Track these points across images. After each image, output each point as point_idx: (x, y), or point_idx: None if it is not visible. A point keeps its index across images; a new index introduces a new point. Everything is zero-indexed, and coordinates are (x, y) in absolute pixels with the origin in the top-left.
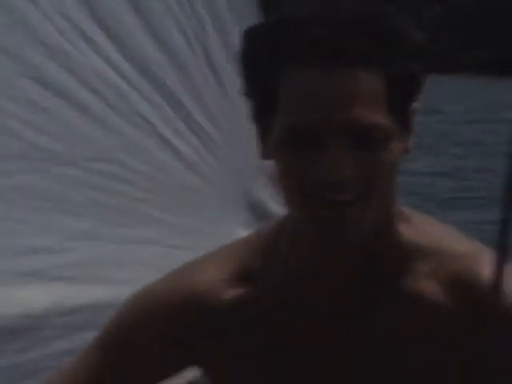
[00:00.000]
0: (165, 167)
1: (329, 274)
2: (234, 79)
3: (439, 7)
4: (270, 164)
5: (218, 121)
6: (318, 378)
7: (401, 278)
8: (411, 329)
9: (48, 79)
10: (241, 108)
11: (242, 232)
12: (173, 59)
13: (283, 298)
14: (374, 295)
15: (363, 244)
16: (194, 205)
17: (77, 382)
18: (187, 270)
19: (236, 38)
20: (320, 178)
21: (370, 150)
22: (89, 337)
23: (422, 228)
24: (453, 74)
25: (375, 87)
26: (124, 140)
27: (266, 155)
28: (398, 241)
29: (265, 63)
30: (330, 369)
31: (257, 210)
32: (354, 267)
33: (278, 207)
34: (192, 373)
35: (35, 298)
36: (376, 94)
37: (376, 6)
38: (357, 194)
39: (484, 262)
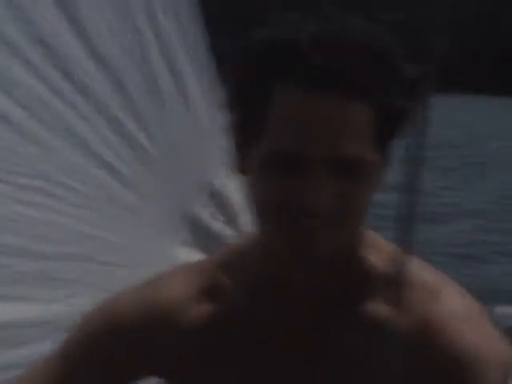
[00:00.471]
0: (98, 184)
1: (296, 292)
2: (174, 93)
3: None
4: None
5: (157, 138)
6: None
7: (364, 302)
8: (367, 353)
9: None
10: (181, 123)
11: (180, 250)
12: (110, 74)
13: (251, 313)
14: (337, 316)
15: (330, 263)
16: (128, 222)
17: None
18: (154, 284)
19: (178, 51)
20: (298, 202)
21: (351, 181)
22: (14, 354)
23: (388, 255)
24: None
25: (366, 122)
26: (55, 156)
27: (243, 170)
28: (363, 265)
29: (260, 81)
30: (289, 378)
31: (196, 229)
32: (319, 286)
33: (218, 225)
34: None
35: None
36: (366, 129)
37: (377, 38)
38: (330, 220)
39: (448, 295)
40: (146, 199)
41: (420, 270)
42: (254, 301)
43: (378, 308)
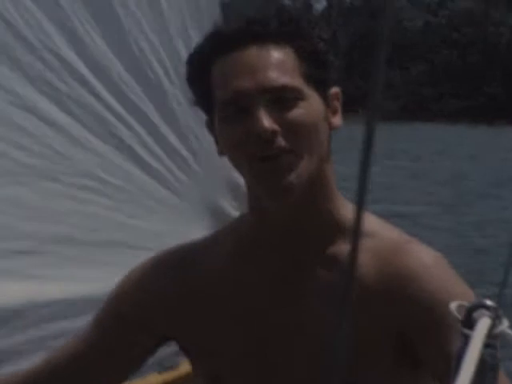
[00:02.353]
0: (135, 180)
1: (276, 240)
2: None
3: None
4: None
5: (189, 142)
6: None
7: (335, 247)
8: (331, 291)
9: (33, 107)
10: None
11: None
12: (150, 88)
13: (243, 252)
14: (308, 255)
15: (302, 199)
16: (162, 213)
17: (70, 353)
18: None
19: None
20: (251, 132)
21: (285, 107)
22: (59, 327)
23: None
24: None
25: (285, 57)
26: (100, 159)
27: (220, 150)
28: (337, 212)
29: (199, 64)
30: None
31: (218, 216)
32: (293, 232)
33: (235, 212)
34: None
35: (12, 293)
36: (287, 63)
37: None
38: (285, 148)
39: (415, 248)
40: (179, 195)
41: (384, 228)
42: (243, 253)
43: (344, 252)
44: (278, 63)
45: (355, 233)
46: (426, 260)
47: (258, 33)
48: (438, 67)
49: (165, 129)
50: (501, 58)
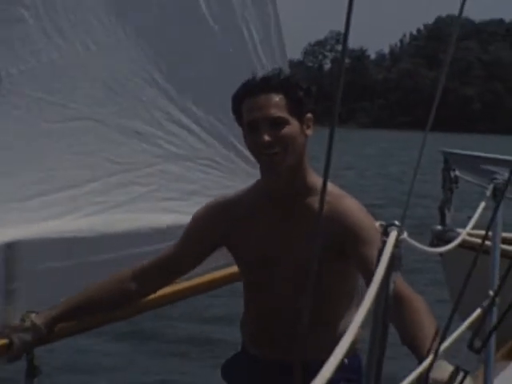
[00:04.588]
0: (231, 161)
1: (274, 192)
2: None
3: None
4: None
5: None
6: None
7: (307, 199)
8: (306, 223)
9: (178, 121)
10: None
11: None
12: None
13: (260, 199)
14: (292, 205)
15: (288, 175)
16: (242, 177)
17: (170, 249)
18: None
19: None
20: (259, 142)
21: (278, 128)
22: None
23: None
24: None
25: (279, 101)
26: (215, 150)
27: (247, 147)
28: (308, 180)
29: (236, 103)
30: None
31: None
32: (284, 189)
33: None
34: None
35: (165, 221)
36: (280, 104)
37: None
38: (278, 150)
39: (348, 198)
40: (254, 165)
41: (334, 189)
42: (259, 197)
43: (312, 203)
44: (275, 104)
45: (322, 194)
46: (354, 206)
47: (265, 86)
48: (391, 101)
49: (237, 144)
50: (425, 96)
